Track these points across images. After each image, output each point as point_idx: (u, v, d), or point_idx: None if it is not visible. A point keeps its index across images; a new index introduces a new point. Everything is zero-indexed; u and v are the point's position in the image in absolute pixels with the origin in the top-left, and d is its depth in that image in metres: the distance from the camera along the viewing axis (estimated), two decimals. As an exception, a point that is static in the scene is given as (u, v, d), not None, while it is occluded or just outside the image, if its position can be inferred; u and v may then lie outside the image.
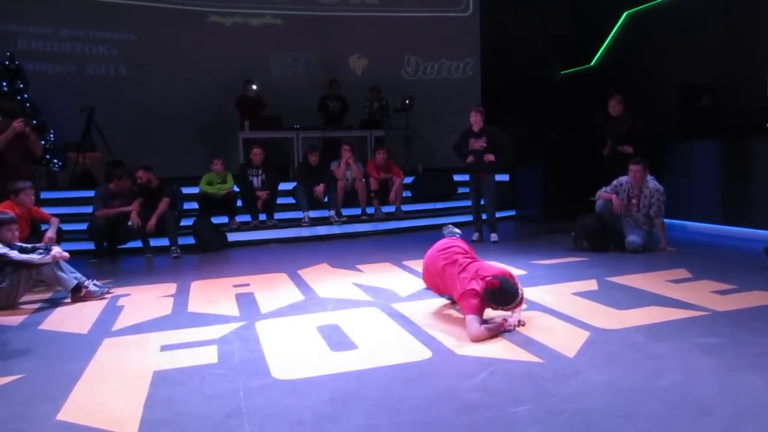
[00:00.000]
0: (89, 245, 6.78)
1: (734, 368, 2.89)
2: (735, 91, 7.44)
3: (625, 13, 9.77)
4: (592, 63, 10.47)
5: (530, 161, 8.96)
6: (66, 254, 4.81)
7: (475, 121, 7.01)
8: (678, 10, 8.66)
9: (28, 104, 8.47)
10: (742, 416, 2.40)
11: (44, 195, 7.10)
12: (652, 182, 6.17)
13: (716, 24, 8.03)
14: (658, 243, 6.16)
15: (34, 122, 7.79)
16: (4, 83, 8.45)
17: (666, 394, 2.62)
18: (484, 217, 7.25)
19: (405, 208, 8.75)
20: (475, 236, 7.14)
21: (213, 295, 4.85)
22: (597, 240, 6.25)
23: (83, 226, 6.93)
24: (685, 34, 8.51)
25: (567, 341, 3.34)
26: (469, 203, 7.63)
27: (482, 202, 7.18)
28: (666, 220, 6.33)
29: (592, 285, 4.69)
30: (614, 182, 6.32)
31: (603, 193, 6.37)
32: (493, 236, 7.14)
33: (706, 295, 4.23)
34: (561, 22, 10.85)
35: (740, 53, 7.62)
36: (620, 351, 3.18)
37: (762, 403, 2.51)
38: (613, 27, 10.00)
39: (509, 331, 3.52)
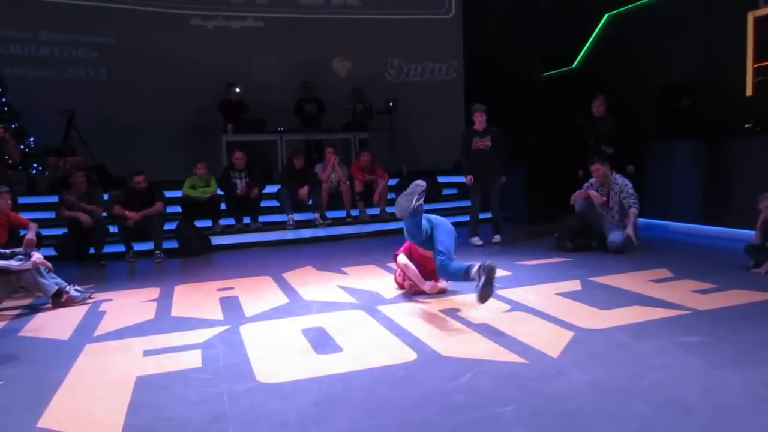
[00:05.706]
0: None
1: (716, 366, 2.92)
2: (715, 92, 7.53)
3: (606, 15, 9.87)
4: (573, 65, 10.56)
5: (513, 162, 8.99)
6: (49, 264, 4.74)
7: (480, 120, 6.85)
8: (658, 11, 8.78)
9: (6, 108, 8.35)
10: (723, 414, 2.43)
11: (24, 200, 7.01)
12: (619, 179, 6.28)
13: (696, 25, 8.15)
14: (637, 240, 6.14)
15: (13, 126, 7.69)
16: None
17: (649, 393, 2.65)
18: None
19: (389, 210, 8.73)
20: (478, 240, 6.93)
21: (197, 299, 4.82)
22: (580, 240, 6.30)
23: (63, 231, 6.85)
24: (665, 35, 8.62)
25: (551, 341, 3.36)
26: (454, 204, 7.58)
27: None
28: (648, 220, 6.41)
29: (575, 285, 4.73)
30: (585, 185, 6.42)
31: (577, 195, 6.44)
32: (497, 237, 7.04)
33: (687, 295, 4.28)
34: (543, 24, 10.93)
35: (720, 54, 7.74)
36: (604, 350, 3.21)
37: (743, 401, 2.55)
38: (594, 29, 10.10)
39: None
